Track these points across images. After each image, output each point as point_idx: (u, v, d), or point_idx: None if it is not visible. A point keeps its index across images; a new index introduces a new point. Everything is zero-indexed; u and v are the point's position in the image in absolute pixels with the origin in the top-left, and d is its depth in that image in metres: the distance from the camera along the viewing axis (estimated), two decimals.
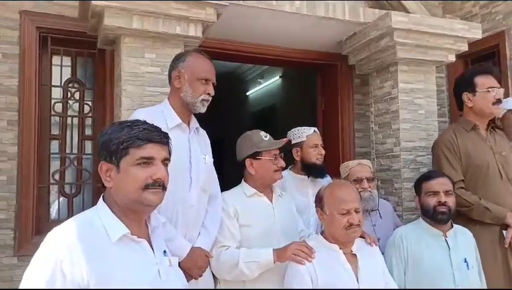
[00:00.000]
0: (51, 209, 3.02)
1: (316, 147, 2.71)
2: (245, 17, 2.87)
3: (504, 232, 2.48)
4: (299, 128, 2.77)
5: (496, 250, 2.48)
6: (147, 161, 1.34)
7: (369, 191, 2.52)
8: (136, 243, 1.34)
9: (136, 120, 1.42)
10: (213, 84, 2.14)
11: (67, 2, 2.87)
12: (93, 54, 3.03)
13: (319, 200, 2.09)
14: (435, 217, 2.32)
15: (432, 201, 2.32)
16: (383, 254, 2.22)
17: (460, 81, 2.79)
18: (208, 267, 2.13)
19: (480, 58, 3.81)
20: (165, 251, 1.45)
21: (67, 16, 2.88)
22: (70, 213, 3.00)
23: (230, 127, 5.33)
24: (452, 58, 3.21)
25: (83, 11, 2.54)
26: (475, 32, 3.15)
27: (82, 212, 1.39)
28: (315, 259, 1.97)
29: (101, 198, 1.39)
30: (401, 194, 3.04)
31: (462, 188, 2.55)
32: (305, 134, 2.73)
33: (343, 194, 2.01)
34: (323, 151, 2.73)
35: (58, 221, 2.93)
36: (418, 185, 2.46)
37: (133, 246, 1.33)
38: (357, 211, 1.97)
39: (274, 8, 2.79)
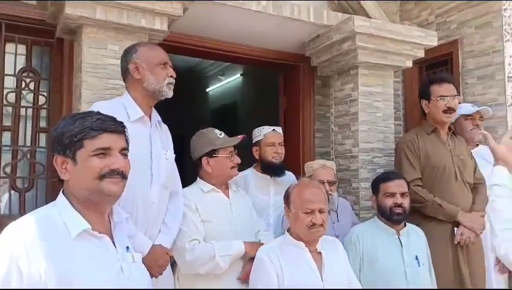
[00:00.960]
0: (1, 204, 2.87)
1: (272, 145, 2.74)
2: (211, 13, 2.85)
3: (455, 229, 2.62)
4: (260, 127, 2.80)
5: (447, 246, 2.62)
6: (104, 152, 1.31)
7: (330, 193, 2.57)
8: (97, 238, 1.30)
9: (89, 111, 1.39)
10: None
11: None
12: (51, 43, 2.90)
13: (286, 198, 2.14)
14: (391, 217, 2.42)
15: (388, 202, 2.43)
16: None
17: (420, 89, 2.96)
18: (168, 264, 2.12)
19: (433, 65, 3.98)
20: (127, 247, 1.42)
21: (24, 2, 2.74)
22: (22, 208, 2.87)
23: (189, 124, 5.28)
24: (409, 63, 3.35)
25: None
26: (431, 39, 3.30)
27: (41, 208, 1.34)
28: (281, 256, 2.01)
29: (60, 193, 1.34)
30: (359, 193, 3.14)
31: (419, 185, 2.68)
32: (263, 132, 2.78)
33: (309, 193, 2.06)
34: (279, 150, 2.75)
35: (9, 216, 2.80)
36: (376, 185, 2.55)
37: (95, 241, 1.29)
38: (321, 211, 2.03)
39: (241, 6, 2.79)
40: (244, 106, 6.60)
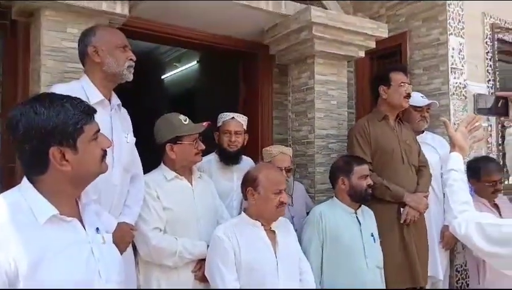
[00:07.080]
0: None
1: (228, 133, 2.75)
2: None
3: (402, 209, 2.82)
4: (224, 113, 2.83)
5: (394, 225, 2.81)
6: (97, 135, 1.34)
7: (286, 179, 2.65)
8: (66, 222, 1.29)
9: (66, 96, 1.33)
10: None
11: None
12: (4, 25, 2.80)
13: (252, 181, 2.20)
14: (366, 197, 2.60)
15: (364, 183, 2.58)
16: (296, 230, 2.45)
17: (377, 76, 3.13)
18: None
19: (383, 56, 4.17)
20: (97, 228, 1.41)
21: None
22: None
23: (145, 111, 5.22)
24: (362, 54, 3.51)
25: None
26: (382, 31, 3.47)
27: (6, 192, 1.30)
28: (238, 234, 2.13)
29: (24, 178, 1.30)
30: (314, 177, 3.27)
31: (369, 170, 2.82)
32: (222, 119, 2.80)
33: (277, 176, 2.23)
34: (233, 138, 2.75)
35: None
36: (348, 168, 2.63)
37: (64, 226, 1.28)
38: (285, 191, 2.21)
39: None
40: (200, 94, 6.60)
